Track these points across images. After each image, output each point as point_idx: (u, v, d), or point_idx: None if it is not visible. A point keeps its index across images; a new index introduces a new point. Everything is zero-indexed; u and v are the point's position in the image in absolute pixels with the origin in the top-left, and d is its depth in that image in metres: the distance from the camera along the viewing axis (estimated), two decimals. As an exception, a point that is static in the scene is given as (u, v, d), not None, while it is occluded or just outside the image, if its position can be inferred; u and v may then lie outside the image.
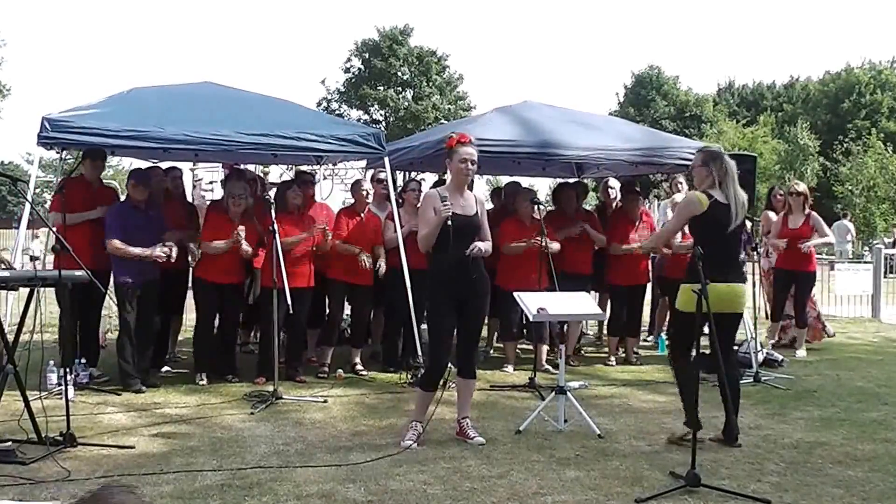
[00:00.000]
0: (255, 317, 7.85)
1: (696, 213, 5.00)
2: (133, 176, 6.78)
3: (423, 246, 5.11)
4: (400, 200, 7.52)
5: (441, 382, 5.08)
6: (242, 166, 8.63)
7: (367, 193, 7.37)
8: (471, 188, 5.24)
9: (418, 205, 7.25)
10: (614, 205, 8.50)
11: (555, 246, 7.14)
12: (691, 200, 5.07)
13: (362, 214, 7.28)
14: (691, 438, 4.32)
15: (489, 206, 8.03)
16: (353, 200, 7.60)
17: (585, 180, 10.08)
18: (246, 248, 6.63)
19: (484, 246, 5.03)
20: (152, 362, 6.92)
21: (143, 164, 8.06)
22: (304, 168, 8.93)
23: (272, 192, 7.34)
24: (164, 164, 8.07)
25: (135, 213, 6.50)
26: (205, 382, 6.64)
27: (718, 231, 4.97)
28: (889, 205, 33.84)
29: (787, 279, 8.51)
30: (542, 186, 24.98)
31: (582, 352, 8.49)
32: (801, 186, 8.68)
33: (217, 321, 6.92)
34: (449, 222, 4.87)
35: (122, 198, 7.05)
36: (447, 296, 4.97)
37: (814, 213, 8.45)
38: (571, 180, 9.28)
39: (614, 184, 8.71)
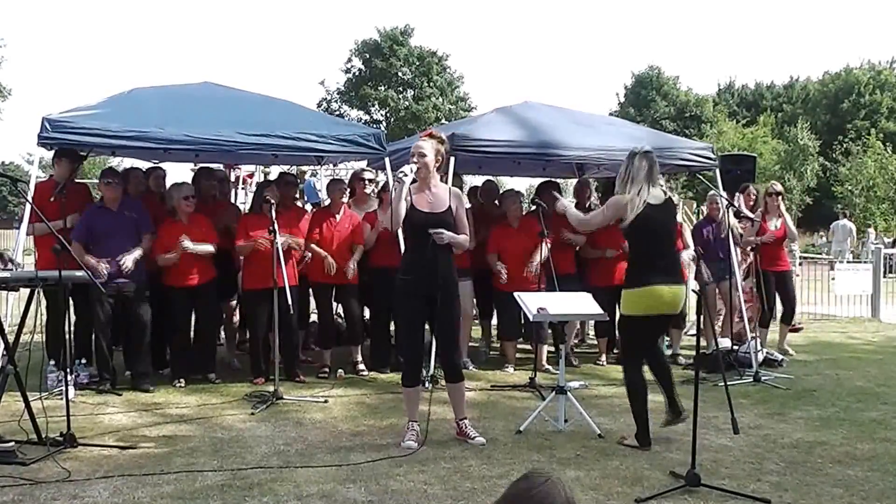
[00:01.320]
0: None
1: (623, 216, 4.95)
2: (105, 175, 6.71)
3: (391, 226, 5.09)
4: (379, 199, 7.54)
5: (430, 379, 5.07)
6: (214, 165, 8.65)
7: (343, 193, 7.31)
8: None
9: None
10: (588, 205, 8.47)
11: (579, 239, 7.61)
12: (619, 202, 4.99)
13: (338, 215, 7.21)
14: (691, 440, 4.32)
15: (467, 204, 8.05)
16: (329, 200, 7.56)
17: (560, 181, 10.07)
18: (194, 247, 6.56)
19: (454, 238, 4.95)
20: (153, 364, 6.93)
21: (144, 165, 8.06)
22: (293, 169, 8.93)
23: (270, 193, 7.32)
24: (164, 165, 8.09)
25: (105, 215, 6.40)
26: (182, 385, 6.63)
27: (650, 232, 4.93)
28: (889, 205, 33.83)
29: (771, 280, 8.41)
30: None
31: (575, 349, 8.52)
32: (778, 187, 8.62)
33: (194, 322, 6.94)
34: (402, 210, 4.86)
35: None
36: (414, 292, 4.96)
37: (787, 215, 8.41)
38: (553, 180, 9.25)
39: (590, 184, 8.70)
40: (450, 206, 5.00)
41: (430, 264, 4.90)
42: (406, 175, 4.87)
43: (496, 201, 8.34)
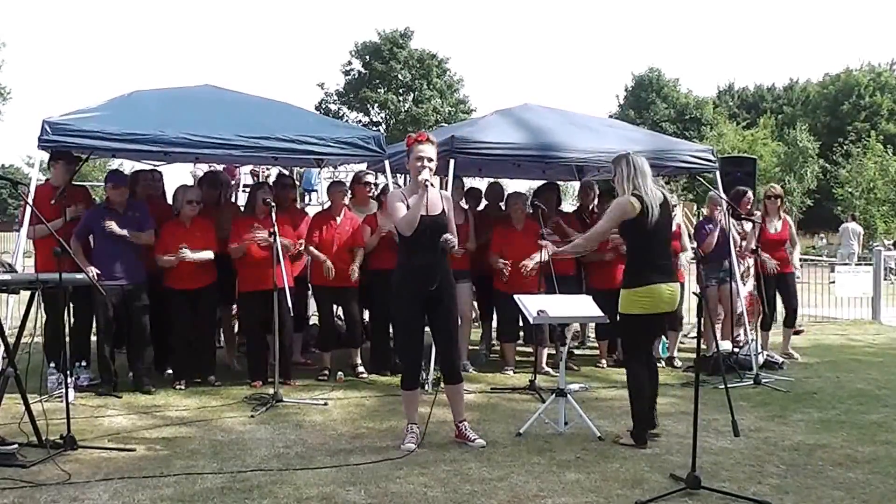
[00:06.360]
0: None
1: (628, 217, 5.04)
2: (110, 178, 6.75)
3: (407, 229, 4.91)
4: (378, 202, 7.55)
5: (433, 382, 5.07)
6: (211, 167, 8.62)
7: (344, 195, 7.31)
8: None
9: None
10: (591, 207, 8.47)
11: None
12: (622, 204, 5.06)
13: (338, 217, 7.21)
14: (692, 442, 4.31)
15: (464, 205, 8.08)
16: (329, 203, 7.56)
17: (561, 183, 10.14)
18: (193, 255, 6.55)
19: (454, 240, 4.99)
20: (155, 365, 6.93)
21: (144, 167, 8.05)
22: (297, 169, 8.92)
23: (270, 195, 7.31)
24: (164, 167, 8.08)
25: (110, 216, 6.41)
26: (182, 387, 6.64)
27: (648, 232, 5.02)
28: (889, 207, 33.81)
29: (773, 283, 8.41)
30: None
31: (574, 353, 8.51)
32: (777, 189, 8.60)
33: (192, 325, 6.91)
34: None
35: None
36: (413, 295, 4.95)
37: (788, 218, 8.38)
38: (555, 182, 9.25)
39: (594, 186, 8.70)
40: (443, 209, 5.03)
41: (429, 266, 4.91)
42: (430, 182, 4.87)
43: (501, 204, 8.33)
